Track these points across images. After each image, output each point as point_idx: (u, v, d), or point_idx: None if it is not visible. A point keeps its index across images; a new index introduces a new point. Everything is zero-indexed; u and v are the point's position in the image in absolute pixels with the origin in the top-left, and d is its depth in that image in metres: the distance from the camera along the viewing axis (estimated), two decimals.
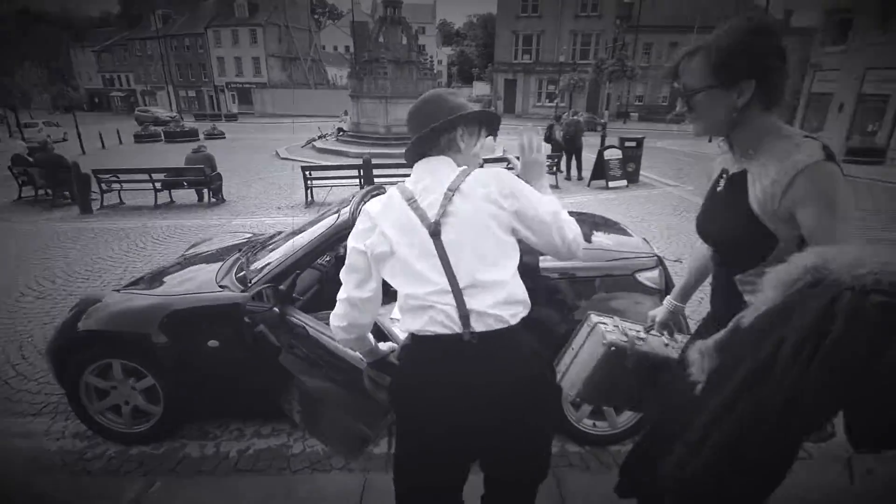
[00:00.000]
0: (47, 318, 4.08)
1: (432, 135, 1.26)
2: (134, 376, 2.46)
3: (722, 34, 1.12)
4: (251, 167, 13.98)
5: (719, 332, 1.05)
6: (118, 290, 2.70)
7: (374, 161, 8.99)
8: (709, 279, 1.45)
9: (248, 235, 3.69)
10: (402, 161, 1.42)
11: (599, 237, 2.96)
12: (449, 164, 1.27)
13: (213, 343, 2.33)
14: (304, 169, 9.08)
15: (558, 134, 10.90)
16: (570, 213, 1.32)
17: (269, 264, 2.42)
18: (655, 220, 7.78)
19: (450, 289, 1.14)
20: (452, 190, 1.18)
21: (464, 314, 1.13)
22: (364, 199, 2.49)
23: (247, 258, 2.74)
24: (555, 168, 10.50)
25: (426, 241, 1.16)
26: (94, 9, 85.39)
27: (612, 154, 10.07)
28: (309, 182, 9.03)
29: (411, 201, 1.20)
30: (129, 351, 2.41)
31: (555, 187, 10.40)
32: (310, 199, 9.08)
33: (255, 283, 2.33)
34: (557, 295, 2.42)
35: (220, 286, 2.48)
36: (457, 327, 1.14)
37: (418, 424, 1.23)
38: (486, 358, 1.14)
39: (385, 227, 1.20)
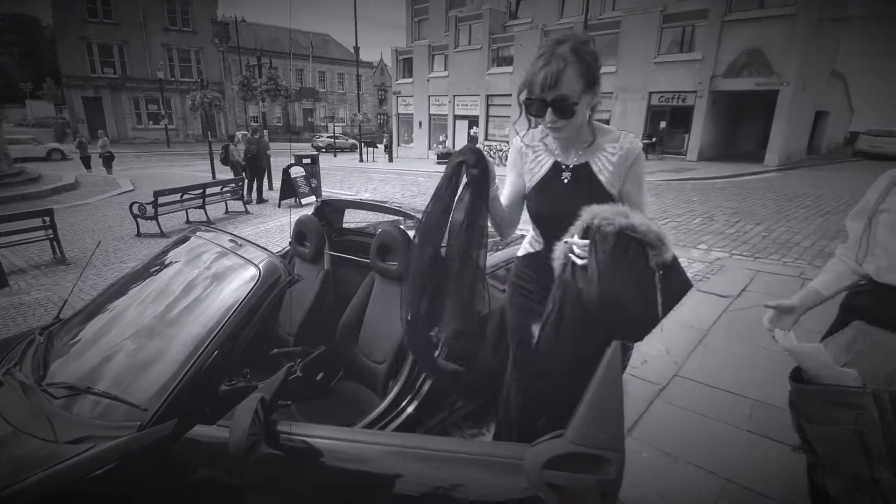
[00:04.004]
0: None
1: None
2: None
3: (580, 50, 1.32)
4: None
5: None
6: None
7: None
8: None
9: None
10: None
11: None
12: None
13: None
14: None
15: (237, 155, 9.92)
16: None
17: (162, 367, 1.49)
18: None
19: None
20: None
21: None
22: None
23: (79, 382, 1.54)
24: (241, 193, 9.62)
25: None
26: None
27: (297, 172, 10.11)
28: None
29: None
30: None
31: (245, 213, 9.57)
32: None
33: (162, 407, 1.40)
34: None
35: (75, 440, 1.34)
36: None
37: None
38: None
39: None
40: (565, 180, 1.51)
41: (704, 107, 18.28)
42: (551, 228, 1.51)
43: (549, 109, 1.35)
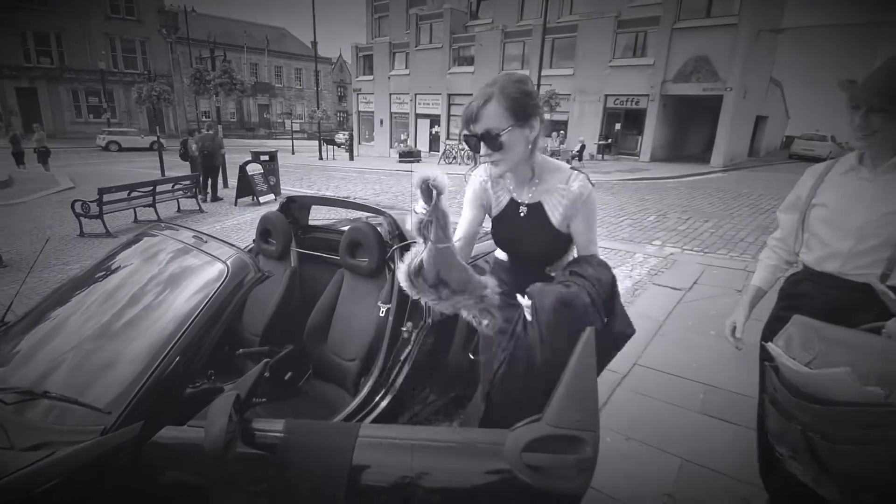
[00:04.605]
0: None
1: None
2: None
3: (507, 88, 1.35)
4: None
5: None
6: None
7: None
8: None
9: None
10: None
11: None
12: None
13: None
14: None
15: (194, 149, 9.48)
16: None
17: (123, 369, 1.43)
18: None
19: None
20: None
21: None
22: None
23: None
24: (195, 190, 9.21)
25: None
26: None
27: (255, 169, 9.78)
28: None
29: None
30: None
31: (200, 212, 9.18)
32: None
33: (126, 410, 1.35)
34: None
35: (33, 447, 1.27)
36: None
37: None
38: None
39: None
40: (522, 214, 1.59)
41: (656, 110, 19.10)
42: (511, 252, 1.70)
43: (482, 143, 1.41)
